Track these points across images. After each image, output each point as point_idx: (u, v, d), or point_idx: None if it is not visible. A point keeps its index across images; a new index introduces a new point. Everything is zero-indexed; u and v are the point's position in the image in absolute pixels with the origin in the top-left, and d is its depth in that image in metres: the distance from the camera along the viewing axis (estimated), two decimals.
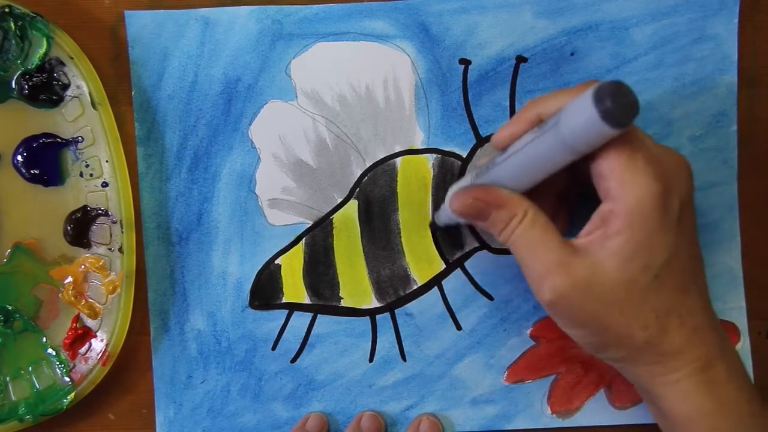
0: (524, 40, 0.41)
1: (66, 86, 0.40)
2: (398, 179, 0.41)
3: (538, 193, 0.34)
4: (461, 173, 0.41)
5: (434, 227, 0.41)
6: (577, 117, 0.29)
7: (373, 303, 0.42)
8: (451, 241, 0.42)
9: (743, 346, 0.42)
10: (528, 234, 0.32)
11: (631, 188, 0.30)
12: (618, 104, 0.28)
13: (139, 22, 0.41)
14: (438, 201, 0.41)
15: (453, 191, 0.37)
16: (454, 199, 0.34)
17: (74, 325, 0.41)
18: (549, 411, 0.42)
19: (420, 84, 0.41)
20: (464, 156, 0.41)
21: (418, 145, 0.41)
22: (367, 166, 0.41)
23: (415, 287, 0.42)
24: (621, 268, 0.31)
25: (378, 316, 0.42)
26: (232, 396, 0.42)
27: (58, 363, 0.41)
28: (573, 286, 0.31)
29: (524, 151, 0.32)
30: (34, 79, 0.40)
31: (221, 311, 0.42)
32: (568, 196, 0.37)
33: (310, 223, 0.42)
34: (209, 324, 0.42)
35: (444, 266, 0.42)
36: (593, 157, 0.31)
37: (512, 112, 0.41)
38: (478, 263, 0.42)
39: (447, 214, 0.37)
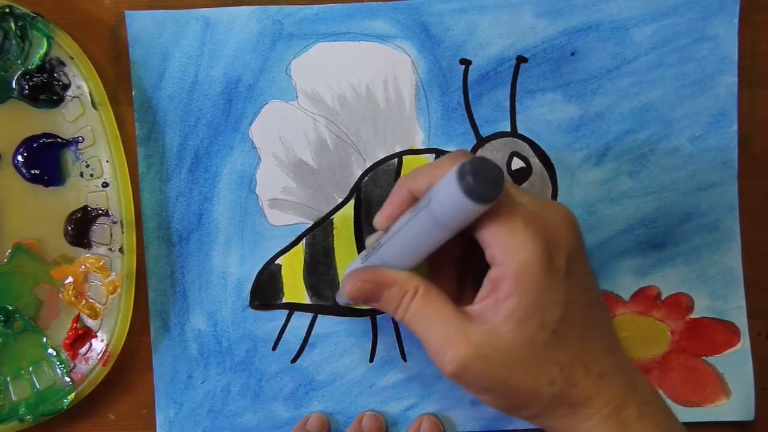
0: (525, 40, 0.41)
1: (66, 86, 0.40)
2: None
3: (437, 264, 0.35)
4: None
5: (337, 306, 0.41)
6: (445, 197, 0.29)
7: None
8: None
9: (743, 347, 0.42)
10: (422, 309, 0.32)
11: (513, 252, 0.30)
12: (480, 181, 0.28)
13: (140, 22, 0.41)
14: None
15: (347, 273, 0.36)
16: (345, 284, 0.34)
17: (74, 325, 0.41)
18: None
19: (420, 84, 0.41)
20: None
21: (419, 145, 0.41)
22: (368, 166, 0.41)
23: None
24: (517, 329, 0.31)
25: (378, 317, 0.42)
26: (232, 396, 0.42)
27: (58, 363, 0.41)
28: (473, 355, 0.31)
29: (403, 231, 0.32)
30: (35, 79, 0.40)
31: (221, 311, 0.42)
32: (467, 260, 0.37)
33: (310, 223, 0.42)
34: (209, 324, 0.42)
35: None
36: (475, 226, 0.31)
37: (512, 112, 0.41)
38: None
39: (344, 297, 0.36)
